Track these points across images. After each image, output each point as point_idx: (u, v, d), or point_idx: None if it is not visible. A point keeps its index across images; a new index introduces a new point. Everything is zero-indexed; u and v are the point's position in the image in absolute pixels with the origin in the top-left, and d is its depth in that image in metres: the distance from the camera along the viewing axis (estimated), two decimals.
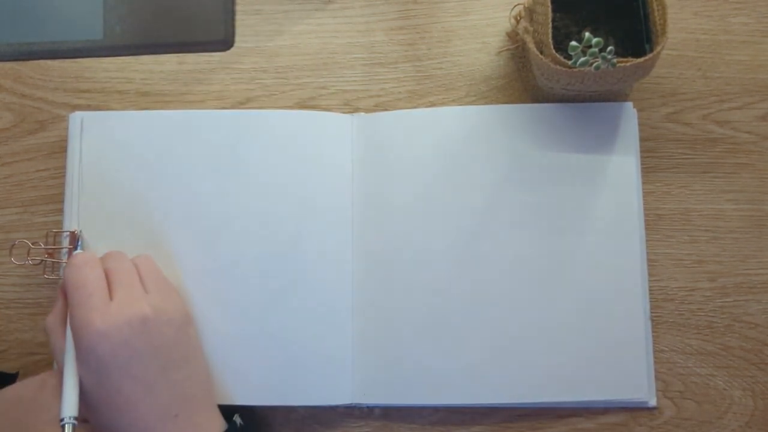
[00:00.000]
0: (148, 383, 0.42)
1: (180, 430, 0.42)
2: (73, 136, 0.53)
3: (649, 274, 0.51)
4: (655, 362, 0.50)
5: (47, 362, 0.52)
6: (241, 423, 0.46)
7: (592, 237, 0.50)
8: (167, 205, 0.51)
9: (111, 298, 0.43)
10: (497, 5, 0.55)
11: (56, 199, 0.53)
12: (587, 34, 0.45)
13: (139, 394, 0.42)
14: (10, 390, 0.46)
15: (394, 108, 0.54)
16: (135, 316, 0.42)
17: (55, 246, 0.52)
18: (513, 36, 0.53)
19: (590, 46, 0.45)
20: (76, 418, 0.41)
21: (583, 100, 0.52)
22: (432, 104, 0.54)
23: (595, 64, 0.45)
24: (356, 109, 0.54)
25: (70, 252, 0.51)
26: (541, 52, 0.47)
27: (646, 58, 0.45)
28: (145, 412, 0.42)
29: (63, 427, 0.41)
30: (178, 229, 0.51)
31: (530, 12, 0.50)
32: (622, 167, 0.51)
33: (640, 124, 0.52)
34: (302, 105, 0.54)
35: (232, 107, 0.54)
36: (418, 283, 0.50)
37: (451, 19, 0.55)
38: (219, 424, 0.45)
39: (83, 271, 0.44)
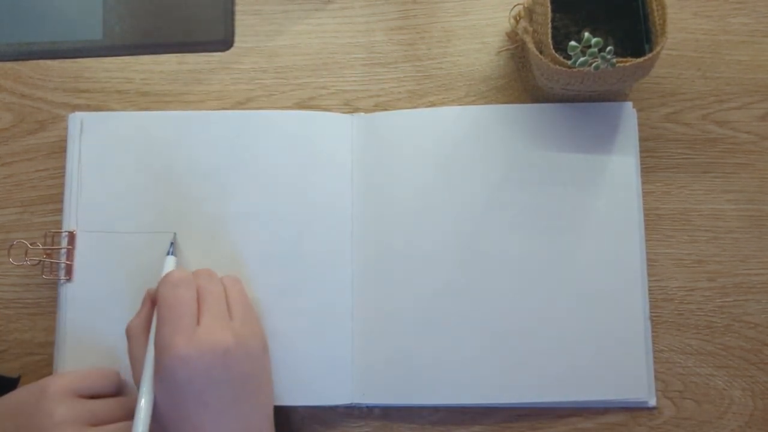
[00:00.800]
0: (219, 412, 0.42)
1: None
2: (73, 137, 0.53)
3: (649, 274, 0.51)
4: (654, 362, 0.50)
5: (47, 362, 0.52)
6: None
7: (591, 237, 0.50)
8: (166, 205, 0.51)
9: (198, 321, 0.44)
10: (497, 5, 0.55)
11: (55, 199, 0.53)
12: (586, 34, 0.45)
13: (207, 422, 0.42)
14: (12, 396, 0.46)
15: (394, 108, 0.54)
16: (218, 345, 0.42)
17: (54, 246, 0.52)
18: (512, 36, 0.53)
19: (589, 46, 0.45)
20: None
21: (583, 100, 0.52)
22: (432, 104, 0.54)
23: (594, 64, 0.45)
24: (356, 109, 0.54)
25: (69, 252, 0.51)
26: (541, 52, 0.47)
27: (646, 58, 0.45)
28: None
29: None
30: (176, 230, 0.51)
31: (530, 12, 0.50)
32: (621, 167, 0.51)
33: (639, 124, 0.52)
34: (302, 105, 0.54)
35: (232, 107, 0.54)
36: (418, 283, 0.50)
37: (451, 19, 0.55)
38: None
39: (179, 290, 0.44)
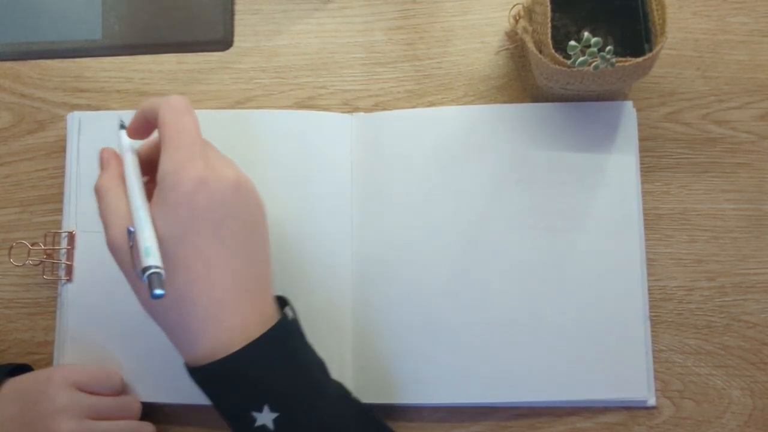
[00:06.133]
0: (233, 251, 0.39)
1: (248, 306, 0.39)
2: (71, 136, 0.53)
3: (648, 274, 0.51)
4: (654, 362, 0.50)
5: (47, 362, 0.52)
6: (293, 316, 0.42)
7: (591, 236, 0.50)
8: None
9: None
10: (496, 5, 0.55)
11: (55, 199, 0.53)
12: (586, 34, 0.45)
13: (222, 260, 0.38)
14: (21, 380, 0.47)
15: (394, 107, 0.54)
16: (231, 176, 0.39)
17: (54, 246, 0.52)
18: (512, 36, 0.53)
19: (589, 46, 0.45)
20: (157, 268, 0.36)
21: (582, 100, 0.52)
22: (431, 104, 0.54)
23: (594, 64, 0.45)
24: (355, 109, 0.54)
25: (68, 253, 0.51)
26: (540, 52, 0.47)
27: (645, 57, 0.45)
28: (223, 281, 0.38)
29: (150, 278, 0.35)
30: None
31: (529, 12, 0.50)
32: (621, 166, 0.51)
33: (639, 124, 0.52)
34: (301, 105, 0.54)
35: (231, 107, 0.54)
36: (418, 283, 0.50)
37: (451, 19, 0.55)
38: (275, 310, 0.41)
39: (187, 117, 0.40)
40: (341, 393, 0.42)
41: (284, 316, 0.41)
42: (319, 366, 0.42)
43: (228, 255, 0.39)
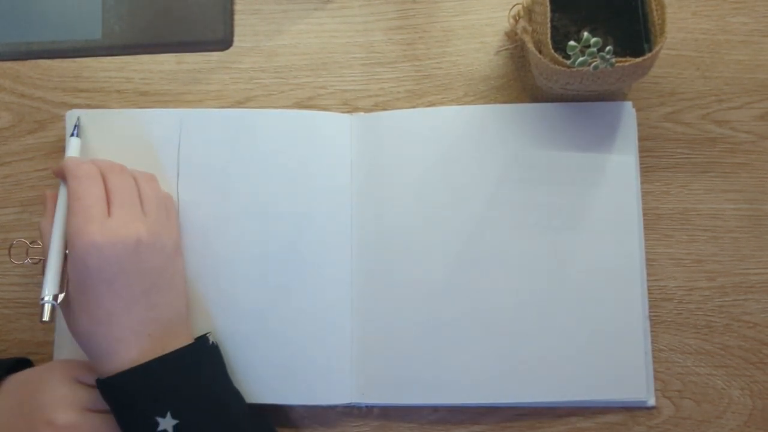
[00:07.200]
0: (129, 301, 0.44)
1: (150, 344, 0.44)
2: (70, 134, 0.53)
3: (648, 274, 0.51)
4: (653, 362, 0.50)
5: (47, 361, 0.52)
6: (214, 342, 0.48)
7: (591, 236, 0.50)
8: None
9: (109, 214, 0.45)
10: (496, 5, 0.55)
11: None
12: (586, 34, 0.45)
13: (119, 310, 0.43)
14: (23, 373, 0.47)
15: (393, 107, 0.54)
16: (130, 237, 0.44)
17: None
18: (512, 36, 0.53)
19: (589, 46, 0.45)
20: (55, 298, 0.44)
21: (582, 100, 0.52)
22: (431, 104, 0.54)
23: (593, 64, 0.45)
24: (355, 109, 0.54)
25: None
26: (540, 52, 0.47)
27: (645, 57, 0.45)
28: (121, 326, 0.43)
29: (42, 306, 0.43)
30: None
31: (529, 12, 0.50)
32: (621, 166, 0.51)
33: (638, 124, 0.52)
34: (301, 105, 0.54)
35: (231, 107, 0.54)
36: (418, 283, 0.50)
37: (450, 19, 0.55)
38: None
39: (84, 183, 0.45)
40: (246, 412, 0.46)
41: (200, 340, 0.46)
42: (229, 389, 0.46)
43: (124, 305, 0.44)
